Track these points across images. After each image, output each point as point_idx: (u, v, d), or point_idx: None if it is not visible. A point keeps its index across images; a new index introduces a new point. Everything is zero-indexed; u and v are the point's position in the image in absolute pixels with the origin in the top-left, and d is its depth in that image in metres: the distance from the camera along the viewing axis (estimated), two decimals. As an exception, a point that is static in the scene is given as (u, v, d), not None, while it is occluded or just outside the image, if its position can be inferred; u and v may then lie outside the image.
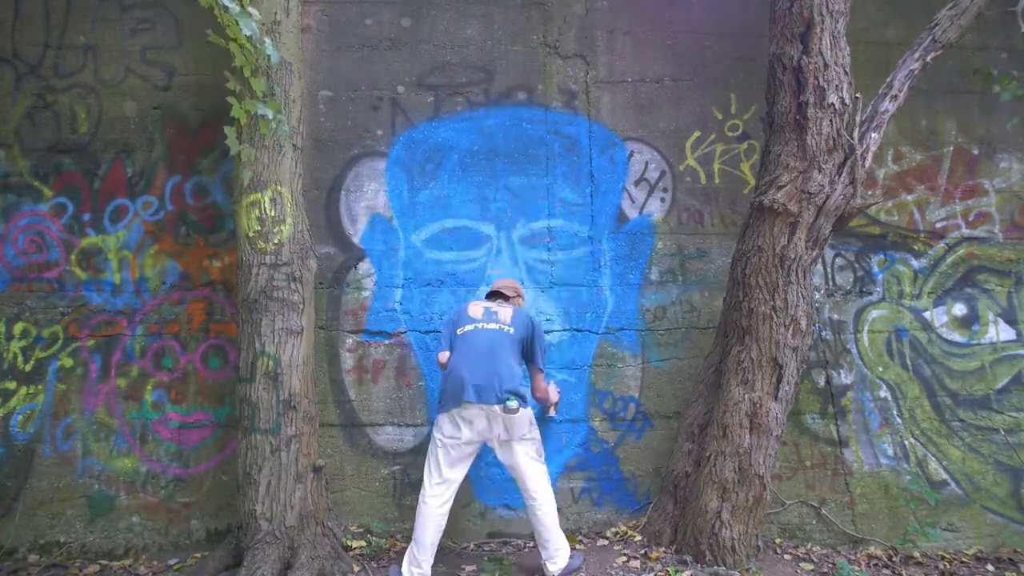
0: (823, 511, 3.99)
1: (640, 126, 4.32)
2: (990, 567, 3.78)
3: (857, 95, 3.54)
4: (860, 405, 4.17)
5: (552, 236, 4.17)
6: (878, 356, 4.25)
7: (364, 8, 4.26)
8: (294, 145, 3.53)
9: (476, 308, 3.51)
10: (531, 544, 3.71)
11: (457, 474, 3.34)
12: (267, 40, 2.96)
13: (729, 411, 3.54)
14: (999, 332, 4.33)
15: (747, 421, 3.50)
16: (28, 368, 3.87)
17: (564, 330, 4.12)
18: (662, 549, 3.63)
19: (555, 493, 3.96)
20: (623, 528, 3.89)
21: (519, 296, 3.71)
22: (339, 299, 4.05)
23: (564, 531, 3.88)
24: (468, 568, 3.51)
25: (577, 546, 3.74)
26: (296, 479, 3.31)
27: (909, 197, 4.41)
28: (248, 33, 2.70)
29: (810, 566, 3.62)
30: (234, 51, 2.96)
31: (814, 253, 3.57)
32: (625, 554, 3.61)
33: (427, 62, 4.23)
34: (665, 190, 4.29)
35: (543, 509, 3.34)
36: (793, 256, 3.50)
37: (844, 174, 3.52)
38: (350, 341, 4.03)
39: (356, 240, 4.10)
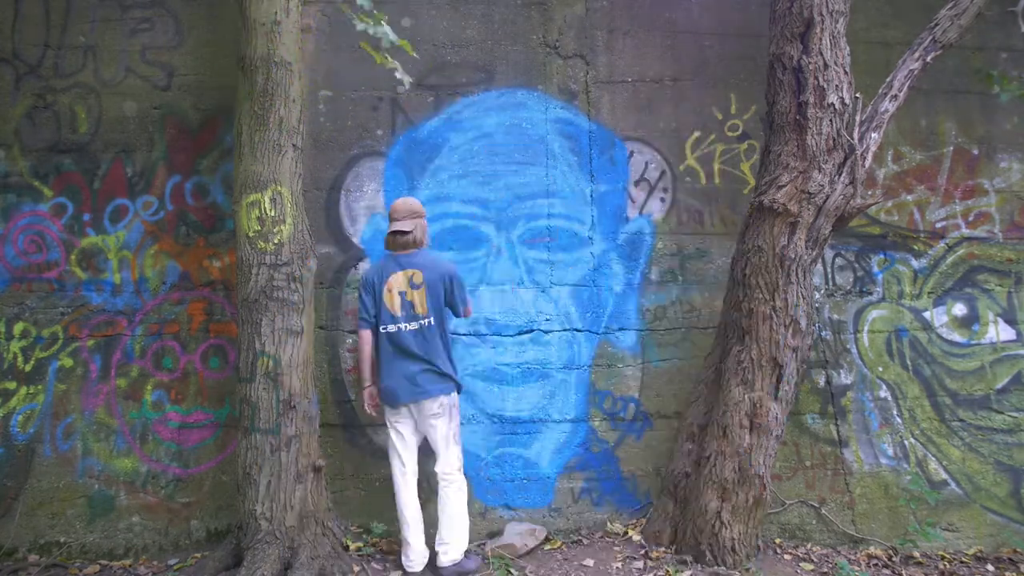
0: (823, 511, 4.00)
1: (640, 126, 4.32)
2: (990, 567, 3.78)
3: (857, 95, 3.54)
4: (860, 405, 4.17)
5: (552, 236, 4.17)
6: (878, 356, 4.25)
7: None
8: (294, 145, 3.52)
9: (393, 296, 3.42)
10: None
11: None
12: None
13: (729, 411, 3.54)
14: (999, 332, 4.33)
15: (747, 421, 3.50)
16: (28, 368, 3.87)
17: (564, 330, 4.12)
18: (662, 549, 3.64)
19: (555, 493, 3.98)
20: (623, 528, 3.89)
21: (420, 216, 3.53)
22: (339, 299, 4.05)
23: (564, 531, 3.90)
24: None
25: (577, 546, 3.75)
26: (296, 479, 3.32)
27: (909, 197, 4.42)
28: None
29: (810, 566, 3.62)
30: None
31: (814, 253, 3.57)
32: (625, 554, 3.62)
33: (427, 62, 4.23)
34: (665, 190, 4.29)
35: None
36: (793, 256, 3.50)
37: (844, 174, 3.52)
38: (350, 341, 4.03)
39: (356, 240, 4.10)
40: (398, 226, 3.46)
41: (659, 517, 3.77)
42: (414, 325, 3.40)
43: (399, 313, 3.41)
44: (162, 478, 3.84)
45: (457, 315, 3.55)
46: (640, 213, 4.26)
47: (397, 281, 3.43)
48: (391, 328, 3.40)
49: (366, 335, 3.46)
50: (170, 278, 4.00)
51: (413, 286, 3.42)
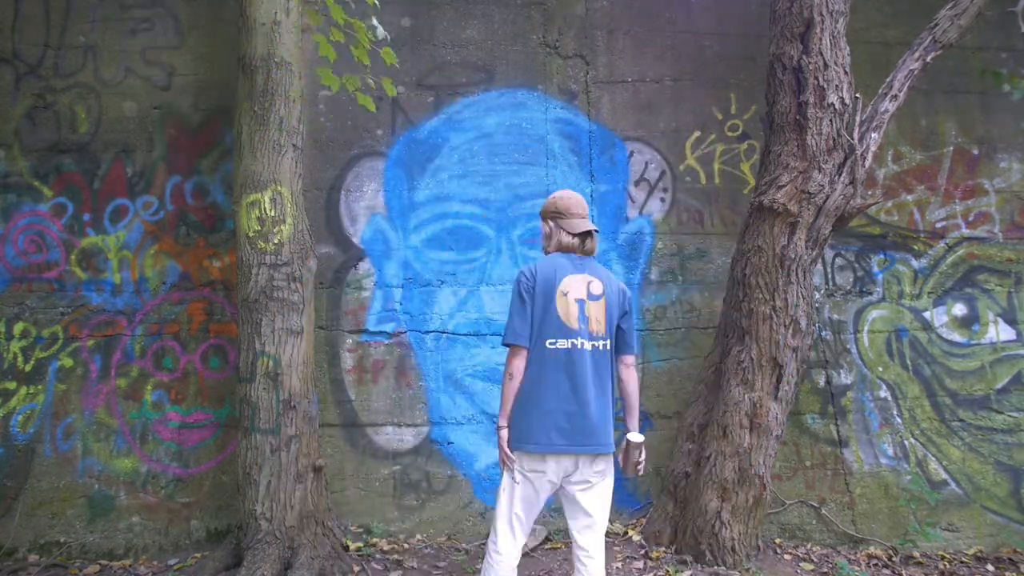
0: (823, 511, 3.99)
1: (640, 126, 4.32)
2: (990, 567, 3.78)
3: (857, 95, 3.54)
4: (860, 405, 4.17)
5: (552, 236, 4.17)
6: (878, 356, 4.25)
7: (364, 8, 4.25)
8: (294, 145, 3.52)
9: (570, 305, 2.54)
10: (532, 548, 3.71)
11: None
12: None
13: (729, 411, 3.54)
14: (999, 332, 4.33)
15: (747, 421, 3.50)
16: (28, 368, 3.87)
17: (564, 330, 4.11)
18: (662, 549, 3.63)
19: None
20: (623, 528, 3.89)
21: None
22: (339, 299, 4.05)
23: (564, 531, 3.89)
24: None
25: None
26: (296, 479, 3.31)
27: (909, 197, 4.42)
28: None
29: (810, 566, 3.62)
30: None
31: (814, 253, 3.57)
32: (625, 554, 3.61)
33: (427, 62, 4.23)
34: (665, 190, 4.29)
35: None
36: (793, 256, 3.50)
37: (844, 174, 3.52)
38: (350, 341, 4.03)
39: (356, 240, 4.10)
40: (587, 225, 2.65)
41: (659, 517, 3.77)
42: (590, 345, 2.53)
43: (576, 326, 2.53)
44: (162, 478, 3.84)
45: (624, 349, 2.65)
46: (640, 213, 4.26)
47: (575, 285, 2.57)
48: (563, 344, 2.51)
49: (522, 355, 2.53)
50: (170, 278, 4.00)
51: (591, 296, 2.58)
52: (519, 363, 2.53)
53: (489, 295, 4.09)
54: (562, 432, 2.46)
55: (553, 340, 2.52)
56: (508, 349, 2.57)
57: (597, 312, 2.58)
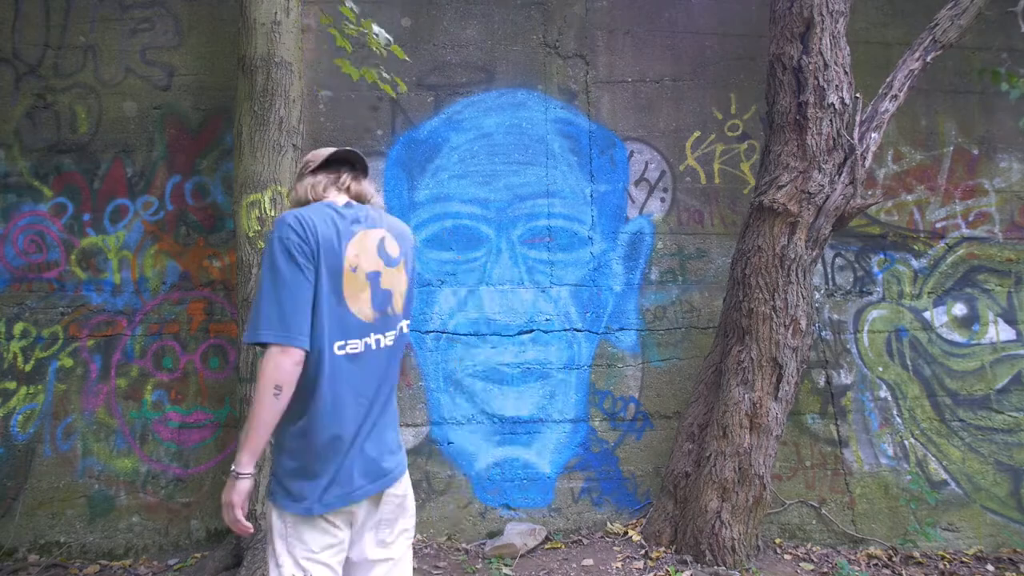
0: (823, 511, 4.00)
1: (640, 126, 4.32)
2: (990, 567, 3.78)
3: (857, 95, 3.54)
4: (860, 405, 4.17)
5: (552, 236, 4.17)
6: (878, 356, 4.25)
7: (364, 8, 4.25)
8: (294, 145, 3.53)
9: (359, 282, 1.80)
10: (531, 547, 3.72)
11: None
12: None
13: (729, 411, 3.54)
14: (999, 332, 4.33)
15: (747, 421, 3.50)
16: (28, 368, 3.87)
17: (564, 330, 4.12)
18: (662, 549, 3.63)
19: (555, 493, 3.99)
20: (623, 528, 3.89)
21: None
22: (339, 299, 4.05)
23: (564, 531, 3.89)
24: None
25: (577, 546, 3.75)
26: (296, 479, 3.31)
27: (909, 197, 4.42)
28: None
29: (810, 566, 3.62)
30: None
31: (814, 253, 3.57)
32: (625, 554, 3.62)
33: (427, 62, 4.23)
34: (665, 190, 4.29)
35: None
36: (793, 256, 3.50)
37: (844, 174, 3.52)
38: (350, 341, 4.02)
39: (356, 240, 4.10)
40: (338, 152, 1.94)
41: (659, 517, 3.77)
42: (389, 338, 1.87)
43: (373, 315, 1.83)
44: (162, 478, 3.84)
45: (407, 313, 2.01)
46: (640, 213, 4.26)
47: (365, 249, 1.83)
48: (355, 347, 1.79)
49: (293, 358, 1.68)
50: (170, 278, 4.00)
51: (389, 262, 1.88)
52: (293, 371, 1.68)
53: (489, 295, 4.09)
54: (358, 473, 1.77)
55: (342, 340, 1.76)
56: (271, 350, 1.66)
57: (398, 285, 1.89)
